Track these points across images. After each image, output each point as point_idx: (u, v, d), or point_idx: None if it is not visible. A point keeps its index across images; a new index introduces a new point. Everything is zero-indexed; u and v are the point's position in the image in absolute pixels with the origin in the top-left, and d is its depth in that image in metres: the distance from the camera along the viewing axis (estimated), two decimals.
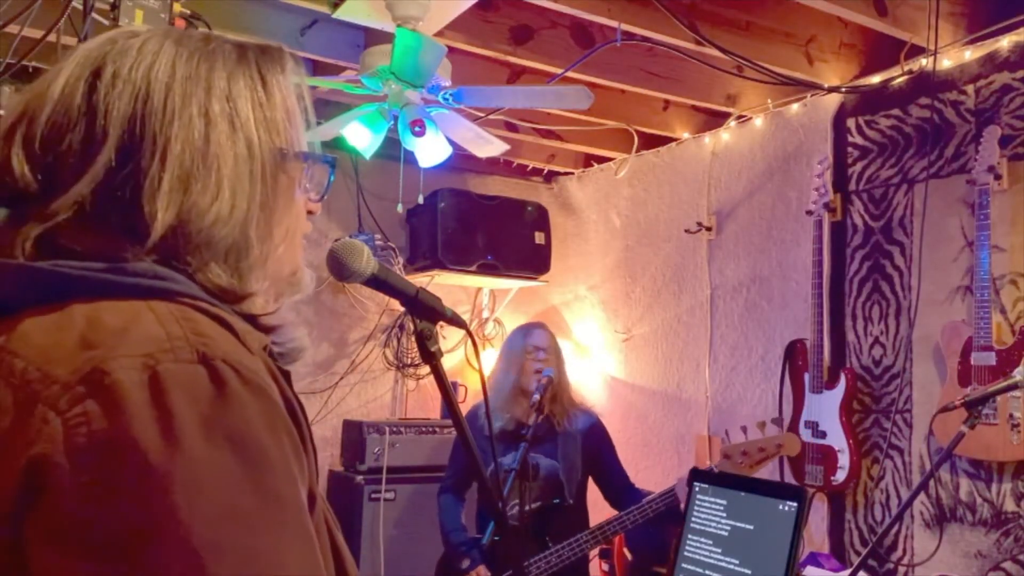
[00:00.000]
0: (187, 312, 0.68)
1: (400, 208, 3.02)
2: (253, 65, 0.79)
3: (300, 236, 0.86)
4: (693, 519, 1.92)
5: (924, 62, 2.86)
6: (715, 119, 3.79)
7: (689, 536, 1.91)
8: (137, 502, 0.58)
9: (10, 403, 0.63)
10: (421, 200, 3.26)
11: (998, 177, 2.63)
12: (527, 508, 2.68)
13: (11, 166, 0.71)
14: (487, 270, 4.08)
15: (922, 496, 2.83)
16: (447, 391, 1.21)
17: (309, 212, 0.87)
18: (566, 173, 4.64)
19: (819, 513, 3.17)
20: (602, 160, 4.37)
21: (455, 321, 1.21)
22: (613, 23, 2.71)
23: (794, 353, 3.22)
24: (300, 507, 0.66)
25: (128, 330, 0.64)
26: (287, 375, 0.75)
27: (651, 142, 4.04)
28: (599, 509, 3.04)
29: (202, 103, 0.74)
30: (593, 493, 3.01)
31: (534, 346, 2.94)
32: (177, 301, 0.69)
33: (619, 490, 2.95)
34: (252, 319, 0.76)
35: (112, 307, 0.66)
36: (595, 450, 2.95)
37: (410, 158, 2.83)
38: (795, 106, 3.41)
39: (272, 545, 0.61)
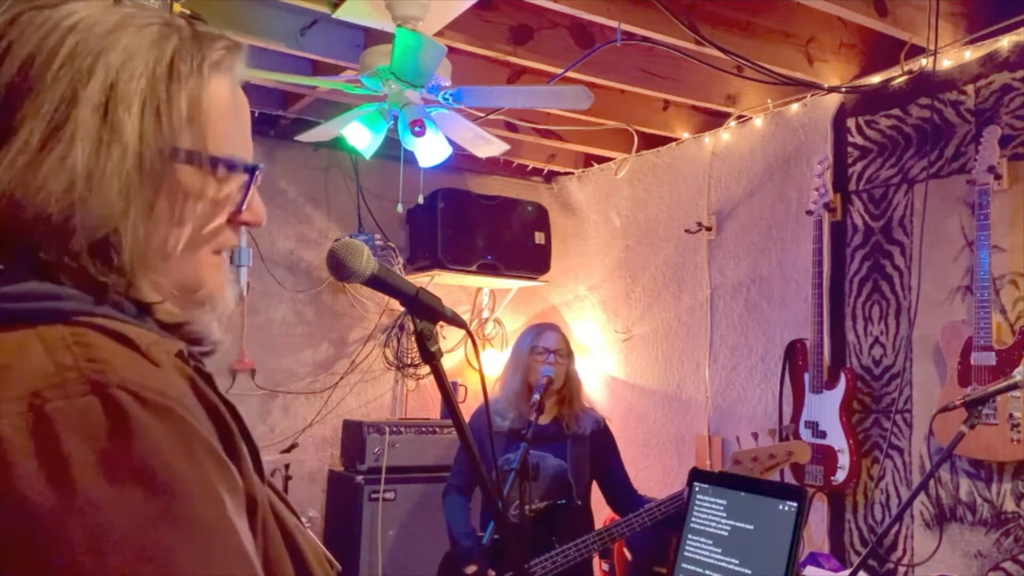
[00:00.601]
0: (82, 335, 0.61)
1: (400, 208, 3.02)
2: (168, 51, 0.72)
3: (210, 248, 0.76)
4: (693, 519, 1.92)
5: (924, 62, 2.86)
6: (715, 119, 3.79)
7: (689, 536, 1.91)
8: (36, 563, 0.52)
9: None
10: (421, 200, 3.26)
11: (998, 177, 2.63)
12: (528, 508, 2.68)
13: None
14: (487, 270, 4.08)
15: (922, 496, 2.83)
16: (447, 391, 1.20)
17: (244, 223, 0.79)
18: (566, 173, 4.64)
19: (819, 513, 3.17)
20: (602, 160, 4.37)
21: (455, 321, 1.21)
22: (613, 23, 2.71)
23: (794, 353, 3.22)
24: (226, 528, 0.60)
25: (11, 368, 0.58)
26: (208, 377, 0.68)
27: (651, 142, 4.04)
28: (600, 510, 3.04)
29: (76, 82, 0.67)
30: (595, 493, 3.01)
31: (544, 347, 2.93)
32: (72, 322, 0.62)
33: (621, 494, 2.95)
34: (148, 309, 0.70)
35: None
36: (602, 454, 2.96)
37: (410, 158, 2.83)
38: (795, 106, 3.41)
39: (197, 574, 0.56)
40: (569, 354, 2.98)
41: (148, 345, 0.63)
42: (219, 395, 0.67)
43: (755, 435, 3.39)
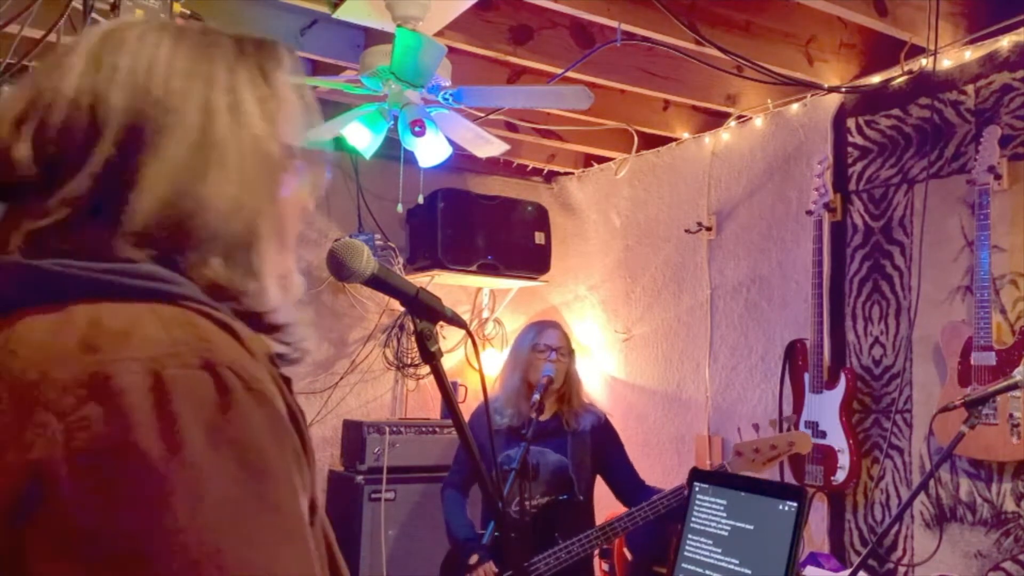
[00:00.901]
0: (190, 316, 0.66)
1: (400, 208, 3.02)
2: (252, 59, 0.79)
3: (296, 234, 0.84)
4: (693, 519, 1.92)
5: (924, 62, 2.86)
6: (715, 119, 3.79)
7: (689, 536, 1.91)
8: (139, 511, 0.57)
9: (8, 404, 0.61)
10: (421, 200, 3.26)
11: (998, 177, 2.63)
12: (528, 506, 2.68)
13: (14, 160, 0.70)
14: (487, 270, 4.08)
15: (922, 496, 2.83)
16: (447, 391, 1.21)
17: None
18: (566, 173, 4.64)
19: (819, 513, 3.17)
20: (602, 160, 4.37)
21: (455, 321, 1.21)
22: (613, 23, 2.71)
23: (794, 353, 3.22)
24: (300, 517, 0.65)
25: (131, 333, 0.63)
26: (288, 382, 0.74)
27: (651, 142, 4.04)
28: (603, 507, 3.04)
29: (203, 97, 0.73)
30: (599, 490, 3.01)
31: (545, 344, 2.93)
32: (180, 304, 0.67)
33: (630, 488, 2.94)
34: (257, 317, 0.74)
35: (113, 309, 0.65)
36: (604, 448, 2.96)
37: (410, 158, 2.83)
38: (795, 106, 3.41)
39: (272, 557, 0.61)
40: (570, 352, 2.98)
41: (248, 338, 0.69)
42: (294, 400, 0.72)
43: (756, 426, 3.39)
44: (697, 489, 1.95)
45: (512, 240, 4.17)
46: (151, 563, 0.57)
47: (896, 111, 3.03)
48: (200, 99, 0.73)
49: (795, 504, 1.76)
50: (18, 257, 0.68)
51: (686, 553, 1.90)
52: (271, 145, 0.76)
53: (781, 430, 3.17)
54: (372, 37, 2.89)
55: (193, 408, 0.60)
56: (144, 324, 0.64)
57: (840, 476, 2.98)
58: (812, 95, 3.29)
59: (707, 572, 1.85)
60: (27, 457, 0.58)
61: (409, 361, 4.20)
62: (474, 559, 2.64)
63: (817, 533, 3.18)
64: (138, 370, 0.60)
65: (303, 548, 0.64)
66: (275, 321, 0.76)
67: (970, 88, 2.80)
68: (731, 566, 1.81)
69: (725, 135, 3.73)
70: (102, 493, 0.57)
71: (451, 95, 2.60)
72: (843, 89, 3.17)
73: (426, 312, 1.18)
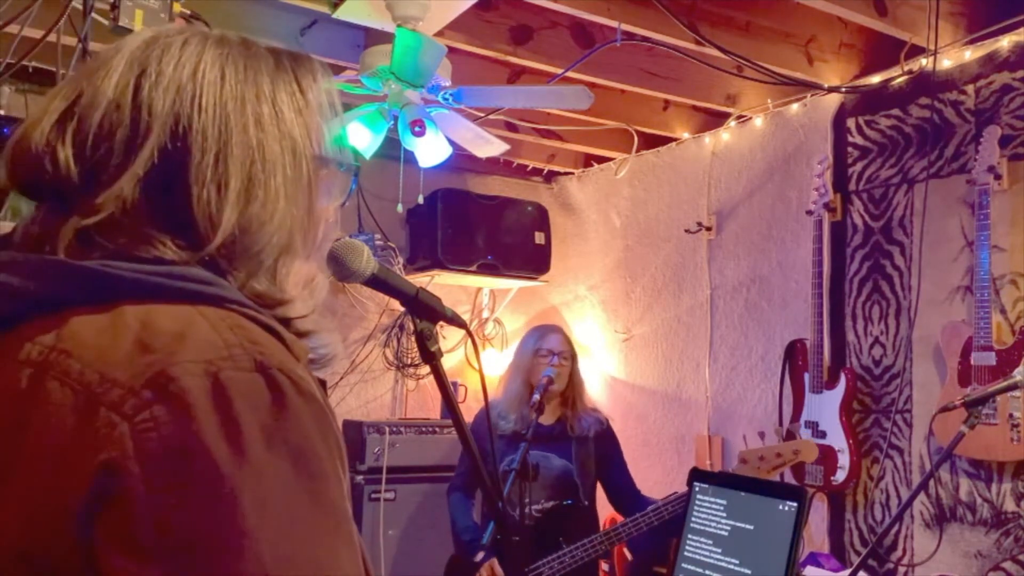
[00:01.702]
0: (238, 320, 0.67)
1: (400, 208, 3.02)
2: (290, 71, 0.80)
3: (319, 241, 0.86)
4: (693, 519, 1.92)
5: (924, 62, 2.86)
6: (715, 119, 3.79)
7: (689, 536, 1.92)
8: (208, 510, 0.59)
9: (71, 405, 0.62)
10: (421, 200, 3.26)
11: (998, 177, 2.63)
12: (528, 508, 2.68)
13: (57, 159, 0.70)
14: (487, 270, 4.08)
15: (922, 496, 2.83)
16: (447, 391, 1.21)
17: None
18: (566, 173, 4.64)
19: (819, 513, 3.17)
20: (602, 160, 4.37)
21: (455, 321, 1.22)
22: (613, 23, 2.71)
23: (794, 353, 3.22)
24: (348, 515, 0.67)
25: (185, 335, 0.64)
26: (324, 384, 0.75)
27: (651, 142, 4.04)
28: (604, 509, 3.04)
29: (254, 107, 0.74)
30: (599, 493, 3.01)
31: (548, 349, 2.94)
32: (225, 308, 0.68)
33: (627, 496, 2.95)
34: (287, 323, 0.75)
35: (164, 311, 0.66)
36: (606, 454, 2.96)
37: (410, 158, 2.83)
38: (795, 106, 3.41)
39: (330, 554, 0.63)
40: (572, 356, 2.99)
41: (291, 341, 0.71)
42: (328, 403, 0.72)
43: (762, 434, 3.39)
44: (697, 489, 1.95)
45: (512, 240, 4.17)
46: (219, 563, 0.58)
47: (896, 111, 3.03)
48: (253, 110, 0.74)
49: (795, 504, 1.76)
50: (64, 257, 0.68)
51: (686, 553, 1.90)
52: (310, 158, 0.77)
53: (786, 437, 3.17)
54: (372, 37, 2.88)
55: (251, 411, 0.61)
56: (196, 326, 0.65)
57: (840, 476, 2.98)
58: (812, 95, 3.29)
59: (707, 572, 1.85)
60: (97, 457, 0.59)
61: (409, 361, 4.20)
62: (479, 556, 2.64)
63: (817, 533, 3.18)
64: (198, 372, 0.61)
65: (353, 543, 0.66)
66: (301, 328, 0.77)
67: (970, 88, 2.80)
68: (731, 566, 1.81)
69: (725, 135, 3.73)
70: (174, 493, 0.59)
71: (451, 95, 2.60)
72: (843, 89, 3.17)
73: (426, 312, 1.18)
